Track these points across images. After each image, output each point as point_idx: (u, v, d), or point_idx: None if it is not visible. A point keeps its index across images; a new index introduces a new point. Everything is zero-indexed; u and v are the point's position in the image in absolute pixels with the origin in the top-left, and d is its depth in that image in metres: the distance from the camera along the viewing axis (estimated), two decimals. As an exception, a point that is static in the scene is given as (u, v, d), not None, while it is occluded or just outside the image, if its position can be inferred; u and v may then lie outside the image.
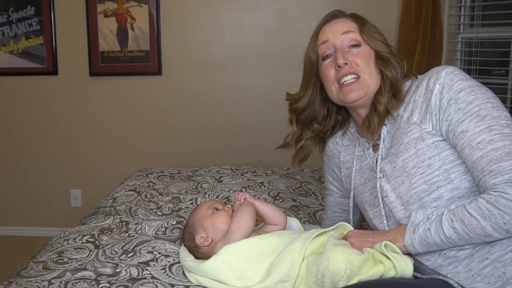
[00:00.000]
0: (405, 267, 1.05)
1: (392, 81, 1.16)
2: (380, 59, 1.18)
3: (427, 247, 1.06)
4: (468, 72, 2.44)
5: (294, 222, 1.41)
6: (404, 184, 1.11)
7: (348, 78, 1.17)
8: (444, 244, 1.04)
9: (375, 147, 1.22)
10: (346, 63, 1.16)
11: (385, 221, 1.18)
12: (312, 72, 1.26)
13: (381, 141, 1.19)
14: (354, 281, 1.03)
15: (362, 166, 1.26)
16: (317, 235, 1.16)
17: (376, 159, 1.19)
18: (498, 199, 0.96)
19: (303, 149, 1.35)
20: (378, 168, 1.18)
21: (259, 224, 1.38)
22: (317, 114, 1.31)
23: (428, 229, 1.04)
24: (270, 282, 1.08)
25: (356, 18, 1.23)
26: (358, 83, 1.17)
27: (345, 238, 1.17)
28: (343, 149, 1.33)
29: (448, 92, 1.06)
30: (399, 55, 1.21)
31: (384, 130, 1.18)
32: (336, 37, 1.19)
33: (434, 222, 1.04)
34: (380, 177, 1.17)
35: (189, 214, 1.61)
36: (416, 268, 1.11)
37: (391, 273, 1.04)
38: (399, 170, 1.12)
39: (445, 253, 1.07)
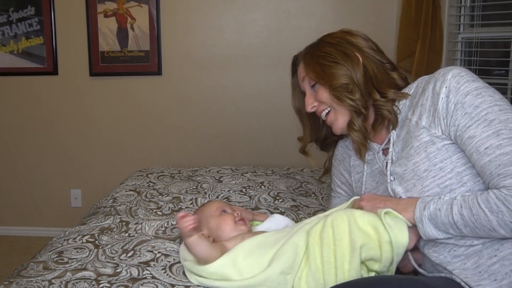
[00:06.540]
0: (400, 237, 1.06)
1: (354, 110, 1.18)
2: (333, 95, 1.20)
3: (435, 225, 1.05)
4: (468, 72, 2.44)
5: (293, 223, 1.41)
6: (416, 187, 1.11)
7: (323, 115, 1.25)
8: (451, 227, 1.03)
9: (385, 151, 1.22)
10: (314, 106, 1.25)
11: None
12: (303, 113, 1.35)
13: (391, 145, 1.18)
14: (357, 252, 1.05)
15: (373, 170, 1.26)
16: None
17: (386, 163, 1.19)
18: (508, 197, 0.95)
19: None
20: (388, 172, 1.17)
21: (255, 224, 1.39)
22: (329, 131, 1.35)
23: (439, 209, 1.04)
24: (272, 272, 1.10)
25: (304, 56, 1.27)
26: (333, 113, 1.23)
27: (358, 200, 1.20)
28: (353, 153, 1.32)
29: (454, 96, 1.05)
30: (344, 85, 1.18)
31: (394, 134, 1.18)
32: (301, 85, 1.29)
33: (445, 204, 1.03)
34: (391, 181, 1.17)
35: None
36: (421, 264, 1.13)
37: (387, 247, 1.07)
38: (410, 173, 1.12)
39: (455, 250, 1.06)
